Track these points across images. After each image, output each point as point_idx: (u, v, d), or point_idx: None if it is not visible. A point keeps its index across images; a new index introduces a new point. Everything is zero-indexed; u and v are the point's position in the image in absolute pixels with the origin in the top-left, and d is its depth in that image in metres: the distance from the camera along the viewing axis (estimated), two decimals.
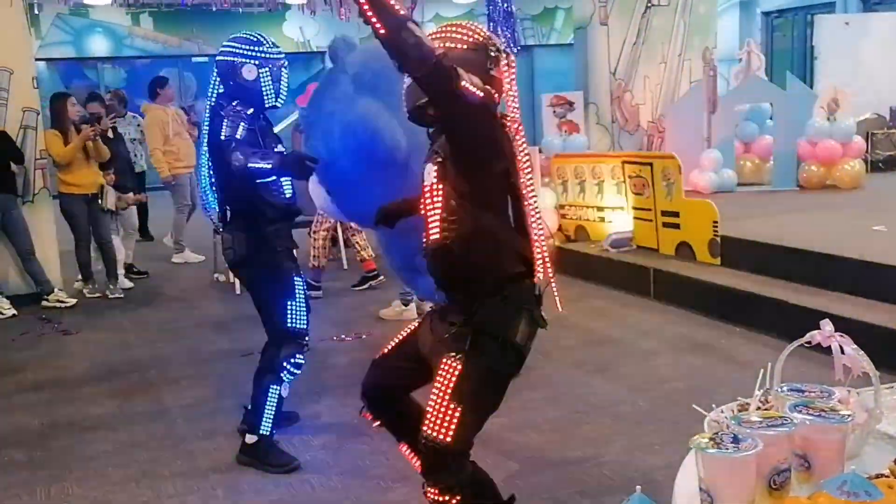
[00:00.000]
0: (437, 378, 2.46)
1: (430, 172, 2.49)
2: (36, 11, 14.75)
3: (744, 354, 5.02)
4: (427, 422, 2.46)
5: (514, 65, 2.60)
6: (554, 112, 9.22)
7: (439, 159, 2.46)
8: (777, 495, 1.46)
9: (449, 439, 2.42)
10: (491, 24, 7.92)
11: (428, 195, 2.50)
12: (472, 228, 2.44)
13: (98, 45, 16.82)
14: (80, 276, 7.63)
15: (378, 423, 2.83)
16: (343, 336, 5.90)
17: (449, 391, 2.42)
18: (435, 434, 2.43)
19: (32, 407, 4.76)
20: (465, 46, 2.48)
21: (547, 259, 2.60)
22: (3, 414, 4.68)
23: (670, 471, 1.79)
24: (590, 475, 3.59)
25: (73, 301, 7.23)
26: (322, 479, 3.66)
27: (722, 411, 1.87)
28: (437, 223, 2.47)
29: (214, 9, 13.58)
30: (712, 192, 8.55)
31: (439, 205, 2.46)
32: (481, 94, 2.39)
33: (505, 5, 7.92)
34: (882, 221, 6.40)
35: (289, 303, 3.74)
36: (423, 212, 2.55)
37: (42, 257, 7.24)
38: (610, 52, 9.64)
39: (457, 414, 2.41)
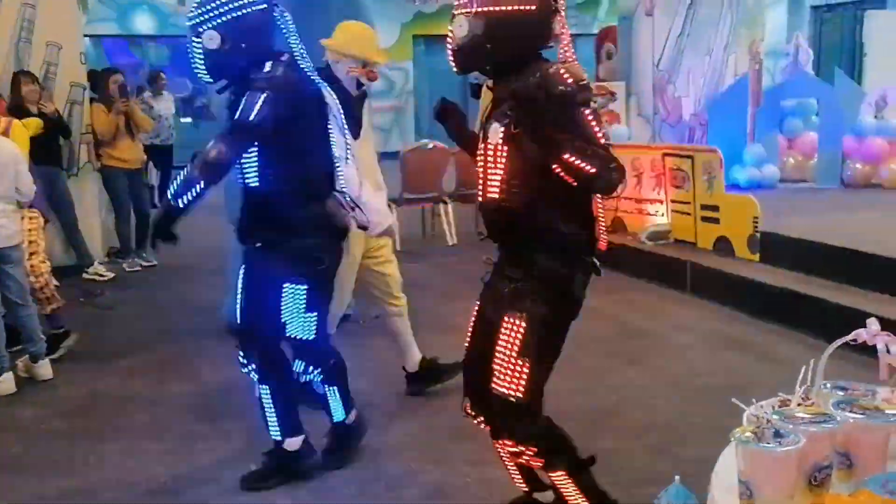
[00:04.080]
0: (502, 336, 2.51)
1: (497, 132, 2.46)
2: None
3: (780, 352, 4.96)
4: (497, 380, 2.52)
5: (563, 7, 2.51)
6: (595, 102, 9.17)
7: (507, 122, 2.41)
8: (817, 492, 1.45)
9: (521, 394, 2.50)
10: None
11: (491, 154, 2.49)
12: (535, 193, 2.45)
13: (143, 23, 16.99)
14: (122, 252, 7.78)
15: (480, 420, 2.77)
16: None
17: (516, 349, 2.49)
18: (506, 391, 2.50)
19: (73, 378, 4.86)
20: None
21: (602, 213, 2.60)
22: (44, 385, 4.78)
23: (704, 465, 1.78)
24: (622, 467, 3.56)
25: (112, 275, 7.35)
26: (351, 470, 3.67)
27: (761, 406, 1.86)
28: (498, 184, 2.48)
29: None
30: (753, 187, 8.45)
31: (502, 166, 2.46)
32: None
33: None
34: None
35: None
36: (479, 166, 2.55)
37: (84, 230, 7.36)
38: (654, 44, 9.53)
39: (525, 369, 2.49)
